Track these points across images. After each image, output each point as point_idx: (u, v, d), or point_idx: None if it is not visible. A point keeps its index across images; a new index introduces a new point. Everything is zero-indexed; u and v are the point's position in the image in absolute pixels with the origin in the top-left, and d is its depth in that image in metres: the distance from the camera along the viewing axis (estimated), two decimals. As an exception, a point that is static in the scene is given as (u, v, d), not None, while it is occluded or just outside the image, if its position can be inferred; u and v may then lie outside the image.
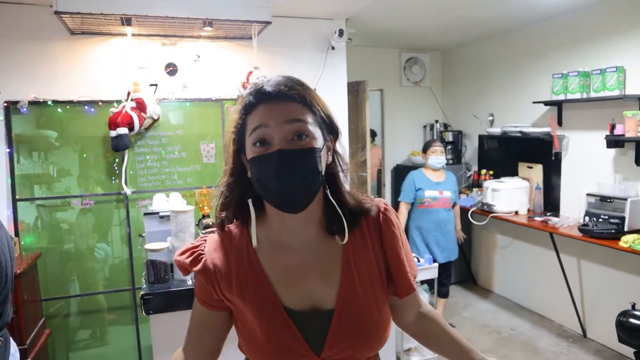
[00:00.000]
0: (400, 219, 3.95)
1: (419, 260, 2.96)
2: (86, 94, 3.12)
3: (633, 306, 1.65)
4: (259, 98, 0.90)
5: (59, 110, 3.09)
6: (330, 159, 0.95)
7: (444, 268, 3.76)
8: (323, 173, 0.91)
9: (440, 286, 3.75)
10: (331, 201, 0.94)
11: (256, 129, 0.89)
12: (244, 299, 0.94)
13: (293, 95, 0.89)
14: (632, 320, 1.61)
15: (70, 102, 3.10)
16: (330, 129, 0.95)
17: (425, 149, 3.86)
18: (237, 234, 0.99)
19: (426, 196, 3.75)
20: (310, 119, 0.90)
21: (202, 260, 0.97)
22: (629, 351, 1.69)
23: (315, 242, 0.95)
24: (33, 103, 3.03)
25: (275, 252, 0.95)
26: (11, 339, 1.65)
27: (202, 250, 0.99)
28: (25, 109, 3.01)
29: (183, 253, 1.01)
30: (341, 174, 0.98)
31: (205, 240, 1.01)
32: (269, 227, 0.96)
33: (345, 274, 0.94)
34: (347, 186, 0.99)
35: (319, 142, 0.90)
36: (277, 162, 0.85)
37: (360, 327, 0.92)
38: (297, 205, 0.88)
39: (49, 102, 3.05)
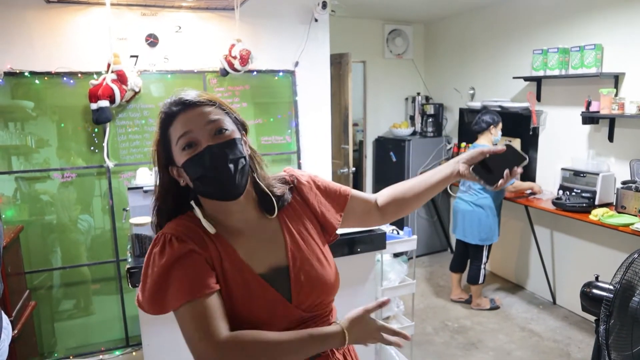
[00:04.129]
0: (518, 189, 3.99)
1: (398, 233, 3.02)
2: (64, 65, 3.05)
3: (596, 278, 1.75)
4: (179, 108, 1.03)
5: (37, 81, 3.02)
6: (249, 150, 1.10)
7: None
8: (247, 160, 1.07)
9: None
10: (258, 185, 1.11)
11: (182, 136, 1.02)
12: (225, 275, 1.04)
13: (207, 101, 1.05)
14: (595, 291, 1.70)
15: (48, 74, 3.03)
16: (242, 126, 1.12)
17: (496, 123, 3.73)
18: (189, 226, 1.05)
19: None
20: (225, 118, 1.06)
21: (187, 240, 1.02)
22: (593, 317, 1.82)
23: (257, 219, 1.12)
24: (9, 74, 2.95)
25: (231, 236, 1.08)
26: (2, 312, 1.68)
27: (176, 235, 1.02)
28: (1, 80, 2.93)
29: (161, 246, 1.02)
30: (257, 164, 1.13)
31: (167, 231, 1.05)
32: (215, 221, 1.08)
33: (287, 236, 1.13)
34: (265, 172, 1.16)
35: (237, 134, 1.07)
36: (209, 156, 1.00)
37: (312, 272, 1.11)
38: (236, 190, 1.04)
39: (26, 73, 2.98)
